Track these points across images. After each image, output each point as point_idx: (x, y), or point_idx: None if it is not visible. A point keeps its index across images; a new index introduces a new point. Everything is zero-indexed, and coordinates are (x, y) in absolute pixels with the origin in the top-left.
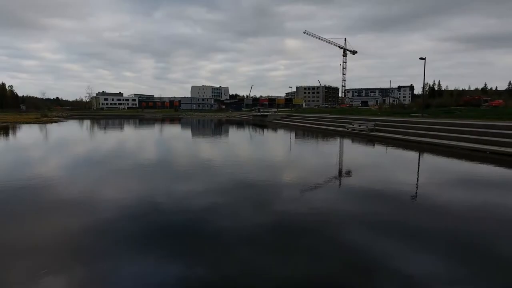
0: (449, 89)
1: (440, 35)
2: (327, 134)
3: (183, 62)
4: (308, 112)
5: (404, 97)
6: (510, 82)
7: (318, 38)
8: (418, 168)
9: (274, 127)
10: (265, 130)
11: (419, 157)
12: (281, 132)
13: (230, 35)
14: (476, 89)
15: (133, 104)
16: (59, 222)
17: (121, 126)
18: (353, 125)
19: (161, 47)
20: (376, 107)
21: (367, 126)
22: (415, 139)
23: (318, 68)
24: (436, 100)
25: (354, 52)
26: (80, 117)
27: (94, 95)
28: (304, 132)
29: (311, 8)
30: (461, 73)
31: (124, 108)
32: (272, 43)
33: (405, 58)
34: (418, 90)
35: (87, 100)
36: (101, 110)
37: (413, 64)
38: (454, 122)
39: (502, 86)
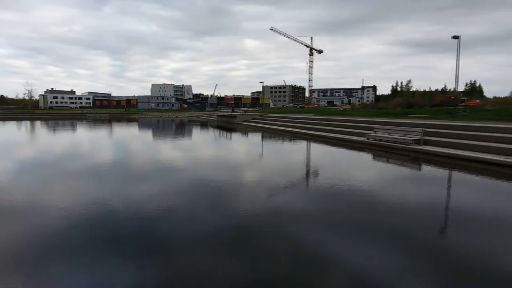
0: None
1: (387, 40)
2: (341, 147)
3: (140, 60)
4: (284, 112)
5: (368, 97)
6: (466, 83)
7: (285, 36)
8: None
9: (246, 132)
10: (238, 137)
11: None
12: (261, 143)
13: (186, 34)
14: (437, 90)
15: (86, 103)
16: None
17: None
18: (375, 132)
19: (115, 44)
20: (346, 107)
21: (404, 135)
22: None
23: (277, 68)
24: (411, 100)
25: (320, 51)
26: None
27: (42, 92)
28: (301, 142)
29: (265, 8)
30: (408, 75)
31: (76, 108)
32: (231, 42)
33: (358, 61)
34: (380, 91)
35: (27, 97)
36: (50, 109)
37: (365, 67)
38: None
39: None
